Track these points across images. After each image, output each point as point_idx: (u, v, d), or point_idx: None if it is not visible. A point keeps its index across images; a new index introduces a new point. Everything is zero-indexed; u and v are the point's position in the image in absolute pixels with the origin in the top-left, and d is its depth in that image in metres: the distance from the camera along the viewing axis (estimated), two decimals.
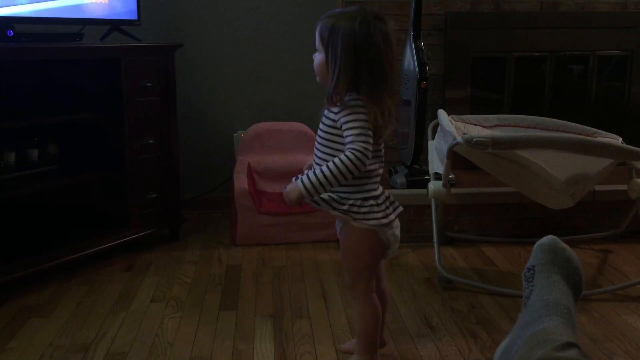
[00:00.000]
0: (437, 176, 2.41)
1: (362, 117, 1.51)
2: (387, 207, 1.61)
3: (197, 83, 3.18)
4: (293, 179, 1.58)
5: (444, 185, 2.33)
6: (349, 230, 1.61)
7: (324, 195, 1.57)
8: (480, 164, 2.50)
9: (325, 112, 1.58)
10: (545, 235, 1.51)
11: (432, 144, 2.59)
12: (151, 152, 2.65)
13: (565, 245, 1.47)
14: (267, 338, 1.94)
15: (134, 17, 2.77)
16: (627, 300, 2.22)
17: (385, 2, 2.96)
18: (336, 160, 1.51)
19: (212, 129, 3.23)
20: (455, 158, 2.34)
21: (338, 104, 1.52)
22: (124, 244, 2.58)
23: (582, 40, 3.13)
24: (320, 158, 1.60)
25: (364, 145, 1.49)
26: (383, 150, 1.63)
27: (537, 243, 1.49)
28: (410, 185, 2.77)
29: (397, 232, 1.64)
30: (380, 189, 1.63)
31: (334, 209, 1.57)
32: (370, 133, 1.51)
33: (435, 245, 2.37)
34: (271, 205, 2.79)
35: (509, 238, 2.79)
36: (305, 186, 1.53)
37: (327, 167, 1.52)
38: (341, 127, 1.52)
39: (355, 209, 1.57)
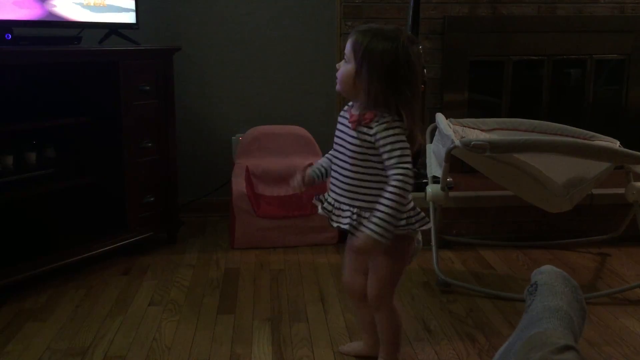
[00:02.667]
0: (435, 179, 2.41)
1: (402, 137, 1.53)
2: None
3: (195, 86, 3.18)
4: (359, 233, 1.55)
5: (442, 189, 2.33)
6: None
7: (378, 221, 1.54)
8: (478, 167, 2.50)
9: (353, 132, 1.56)
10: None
11: (430, 148, 2.59)
12: (149, 155, 2.65)
13: (562, 271, 1.48)
14: (265, 342, 1.94)
15: (132, 20, 2.77)
16: (625, 303, 2.22)
17: (384, 5, 2.96)
18: (388, 193, 1.51)
19: (210, 132, 3.23)
20: (454, 161, 2.34)
21: (374, 122, 1.52)
22: (121, 247, 2.57)
23: (579, 44, 3.13)
24: (356, 173, 1.57)
25: (407, 166, 1.52)
26: None
27: (535, 270, 1.49)
28: None
29: (420, 240, 1.67)
30: None
31: (397, 227, 1.55)
32: (409, 151, 1.53)
33: (434, 248, 2.37)
34: (269, 209, 2.79)
35: (507, 241, 2.79)
36: (377, 233, 1.51)
37: (385, 204, 1.51)
38: (379, 147, 1.53)
39: (412, 220, 1.58)
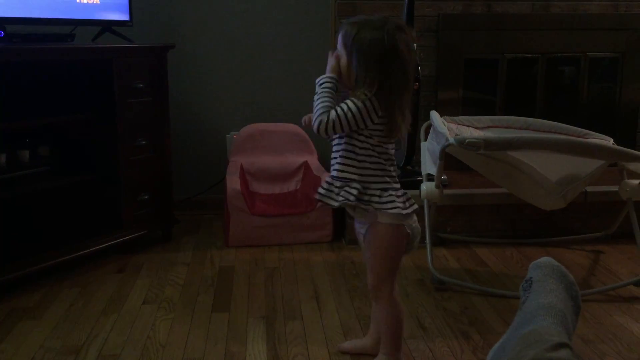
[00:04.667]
0: (430, 177, 2.42)
1: (360, 105, 1.54)
2: (406, 201, 1.65)
3: (189, 84, 3.17)
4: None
5: (437, 186, 2.34)
6: (376, 229, 1.63)
7: (353, 191, 1.59)
8: (472, 165, 2.50)
9: None
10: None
11: (424, 145, 2.59)
12: (143, 153, 2.64)
13: (560, 264, 1.49)
14: (260, 340, 1.94)
15: (126, 17, 2.76)
16: (619, 300, 2.23)
17: (378, 3, 2.96)
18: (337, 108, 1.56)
19: (204, 130, 3.22)
20: (448, 159, 2.34)
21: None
22: (116, 245, 2.57)
23: (573, 41, 3.14)
24: (342, 148, 1.62)
25: (333, 117, 1.55)
26: (393, 151, 1.67)
27: (533, 262, 1.50)
28: (402, 186, 2.75)
29: (417, 225, 1.67)
30: (399, 187, 1.66)
31: (358, 199, 1.59)
32: (350, 123, 1.55)
33: (428, 246, 2.37)
34: (264, 207, 2.79)
35: (501, 239, 2.80)
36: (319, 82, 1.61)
37: (327, 101, 1.57)
38: None
39: (375, 199, 1.60)
